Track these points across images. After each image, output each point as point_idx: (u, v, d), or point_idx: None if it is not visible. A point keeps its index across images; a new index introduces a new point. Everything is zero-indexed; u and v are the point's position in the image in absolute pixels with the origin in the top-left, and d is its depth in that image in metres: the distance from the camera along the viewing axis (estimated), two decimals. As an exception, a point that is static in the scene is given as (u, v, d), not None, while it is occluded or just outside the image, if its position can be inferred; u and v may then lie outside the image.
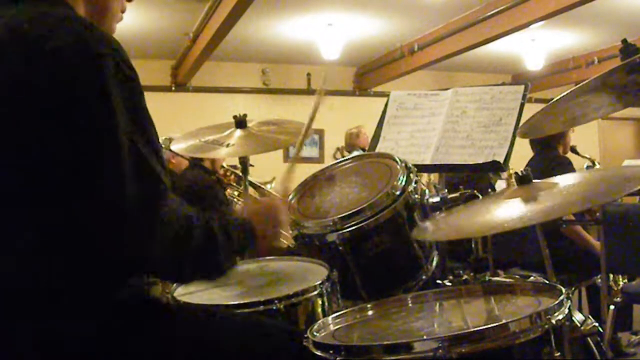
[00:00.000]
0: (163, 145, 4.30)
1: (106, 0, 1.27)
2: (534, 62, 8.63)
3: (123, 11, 1.33)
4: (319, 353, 1.26)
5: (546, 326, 1.20)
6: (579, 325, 1.37)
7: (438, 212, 1.77)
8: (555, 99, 1.73)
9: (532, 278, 2.41)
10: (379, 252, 1.73)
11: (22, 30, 1.07)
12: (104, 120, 1.06)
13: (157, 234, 1.09)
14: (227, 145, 2.39)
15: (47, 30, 1.07)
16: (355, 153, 7.37)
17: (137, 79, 1.13)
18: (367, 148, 7.83)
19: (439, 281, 1.85)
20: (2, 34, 1.08)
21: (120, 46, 1.12)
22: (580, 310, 3.71)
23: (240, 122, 2.45)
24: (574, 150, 4.23)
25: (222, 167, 4.67)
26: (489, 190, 3.09)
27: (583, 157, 4.59)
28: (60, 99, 1.04)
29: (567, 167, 3.75)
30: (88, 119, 1.06)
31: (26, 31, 1.07)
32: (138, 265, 1.14)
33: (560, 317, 1.23)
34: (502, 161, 2.06)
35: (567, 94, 1.69)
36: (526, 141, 3.92)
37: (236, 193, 4.82)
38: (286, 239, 1.59)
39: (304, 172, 2.12)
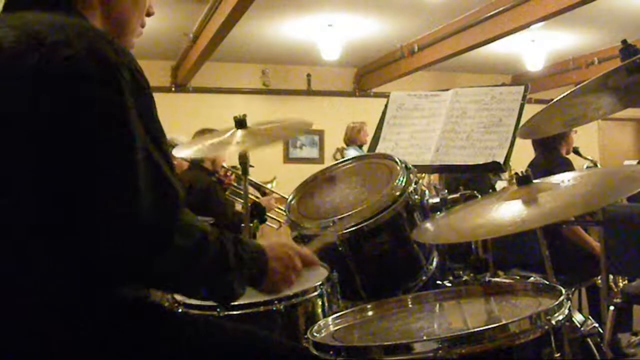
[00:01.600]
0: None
1: (125, 17, 1.27)
2: (534, 62, 8.63)
3: (143, 26, 1.33)
4: (319, 354, 1.26)
5: (546, 327, 1.20)
6: (579, 326, 1.37)
7: (438, 213, 1.77)
8: (555, 100, 1.73)
9: (532, 279, 2.41)
10: (379, 252, 1.74)
11: (40, 37, 1.07)
12: (120, 130, 1.05)
13: (173, 243, 1.08)
14: (230, 144, 2.39)
15: (64, 37, 1.07)
16: (352, 149, 7.44)
17: (150, 88, 1.13)
18: (365, 145, 7.88)
19: (439, 282, 1.85)
20: (20, 39, 1.08)
21: (133, 57, 1.12)
22: (580, 311, 3.70)
23: (241, 122, 2.45)
24: (576, 151, 4.23)
25: (223, 167, 4.67)
26: (490, 191, 3.09)
27: (585, 158, 4.59)
28: (76, 105, 1.04)
29: (568, 169, 3.75)
30: (105, 128, 1.05)
31: (43, 38, 1.07)
32: (149, 276, 1.12)
33: (560, 317, 1.23)
34: (502, 162, 2.06)
35: (567, 94, 1.69)
36: (528, 142, 3.91)
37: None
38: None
39: (304, 172, 2.12)
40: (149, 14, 1.34)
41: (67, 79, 1.04)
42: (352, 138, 7.53)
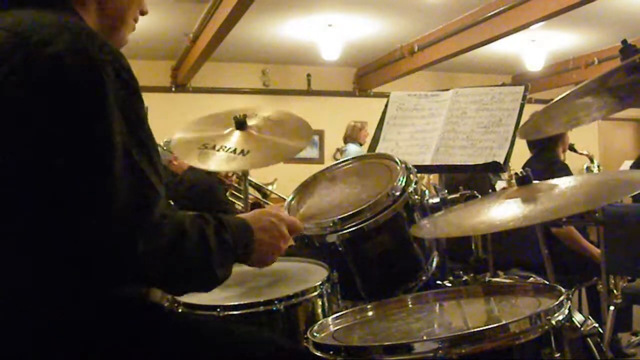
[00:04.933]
0: (164, 147, 4.30)
1: (120, 12, 1.27)
2: (534, 62, 8.64)
3: (136, 20, 1.34)
4: (319, 354, 1.26)
5: (546, 327, 1.20)
6: (579, 326, 1.37)
7: (438, 213, 1.77)
8: (554, 100, 1.73)
9: (532, 279, 2.41)
10: (379, 252, 1.73)
11: (25, 35, 1.07)
12: (99, 126, 1.05)
13: (147, 241, 1.07)
14: (227, 150, 2.38)
15: (48, 36, 1.06)
16: (352, 145, 7.44)
17: (138, 87, 1.12)
18: (364, 144, 7.88)
19: (439, 282, 1.85)
20: (6, 38, 1.08)
21: (121, 54, 1.12)
22: (580, 311, 3.70)
23: (241, 123, 2.44)
24: (571, 148, 4.22)
25: (222, 167, 4.66)
26: (490, 191, 3.09)
27: (581, 154, 4.59)
28: (58, 104, 1.04)
29: (564, 172, 3.74)
30: (84, 124, 1.05)
31: (28, 36, 1.07)
32: (129, 272, 1.11)
33: (560, 317, 1.23)
34: (502, 162, 2.06)
35: (566, 94, 1.69)
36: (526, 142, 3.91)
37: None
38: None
39: (304, 172, 2.12)
40: (142, 13, 1.35)
41: (51, 77, 1.04)
42: (352, 136, 7.54)
